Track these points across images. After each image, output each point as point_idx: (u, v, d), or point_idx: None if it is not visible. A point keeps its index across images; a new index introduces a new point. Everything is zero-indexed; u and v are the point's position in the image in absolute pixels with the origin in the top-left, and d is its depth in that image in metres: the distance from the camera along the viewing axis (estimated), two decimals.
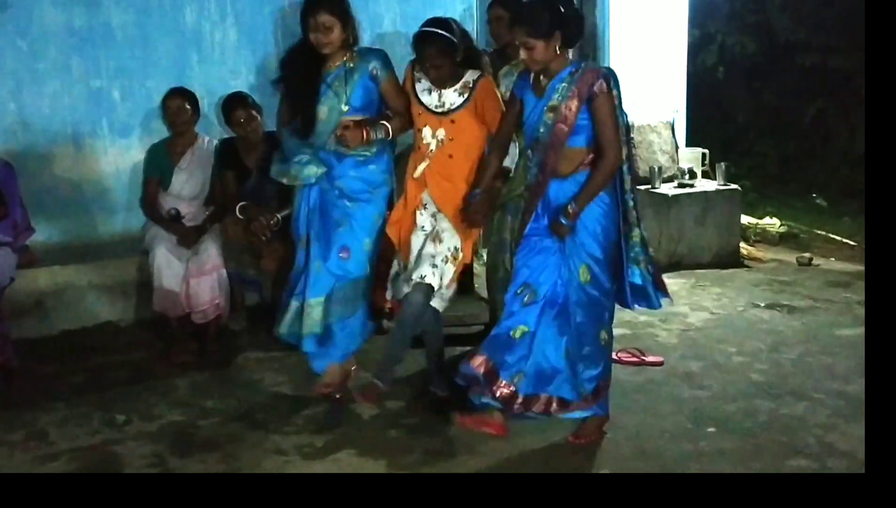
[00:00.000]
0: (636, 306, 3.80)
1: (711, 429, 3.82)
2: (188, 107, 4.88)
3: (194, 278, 4.62)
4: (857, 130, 8.73)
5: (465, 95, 3.87)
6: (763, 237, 7.15)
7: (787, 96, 9.57)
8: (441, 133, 3.91)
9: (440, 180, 3.93)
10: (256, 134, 4.83)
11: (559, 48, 3.50)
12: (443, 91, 3.89)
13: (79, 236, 5.33)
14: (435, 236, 3.94)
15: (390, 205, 4.07)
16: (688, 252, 6.30)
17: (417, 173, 3.95)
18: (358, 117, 3.91)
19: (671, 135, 6.67)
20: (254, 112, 4.81)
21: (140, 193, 5.06)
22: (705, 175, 6.68)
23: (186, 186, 4.90)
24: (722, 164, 6.55)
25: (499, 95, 3.94)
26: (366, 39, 5.77)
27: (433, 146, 3.92)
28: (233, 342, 4.84)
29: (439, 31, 3.79)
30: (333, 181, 3.95)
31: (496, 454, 3.62)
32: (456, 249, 3.92)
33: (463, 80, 3.88)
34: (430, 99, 3.92)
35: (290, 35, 5.59)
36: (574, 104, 3.48)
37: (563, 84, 3.50)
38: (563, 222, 3.50)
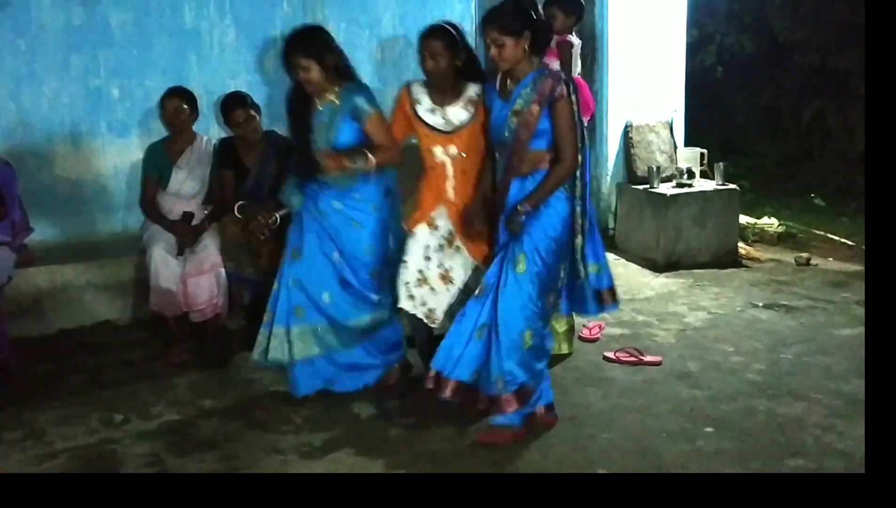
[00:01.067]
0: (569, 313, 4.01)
1: (709, 429, 3.82)
2: (186, 107, 4.87)
3: (193, 277, 4.62)
4: (856, 130, 8.73)
5: (472, 111, 3.89)
6: (761, 237, 7.15)
7: (785, 96, 9.57)
8: (453, 149, 3.92)
9: (461, 200, 3.94)
10: (255, 134, 4.82)
11: (527, 51, 3.56)
12: (447, 108, 3.91)
13: (77, 235, 5.34)
14: (445, 275, 3.99)
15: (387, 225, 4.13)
16: (686, 252, 6.30)
17: (450, 196, 3.96)
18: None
19: (670, 135, 6.68)
20: (252, 112, 4.81)
21: (138, 192, 5.05)
22: (704, 175, 6.68)
23: (185, 186, 4.89)
24: (720, 164, 6.55)
25: None
26: (364, 38, 5.85)
27: (449, 163, 3.94)
28: (231, 341, 4.83)
29: (446, 26, 3.86)
30: (320, 210, 4.04)
31: (493, 453, 3.63)
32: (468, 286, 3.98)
33: (466, 95, 3.90)
34: (434, 119, 3.93)
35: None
36: (536, 109, 3.55)
37: (527, 89, 3.58)
38: (516, 218, 3.58)
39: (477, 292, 3.70)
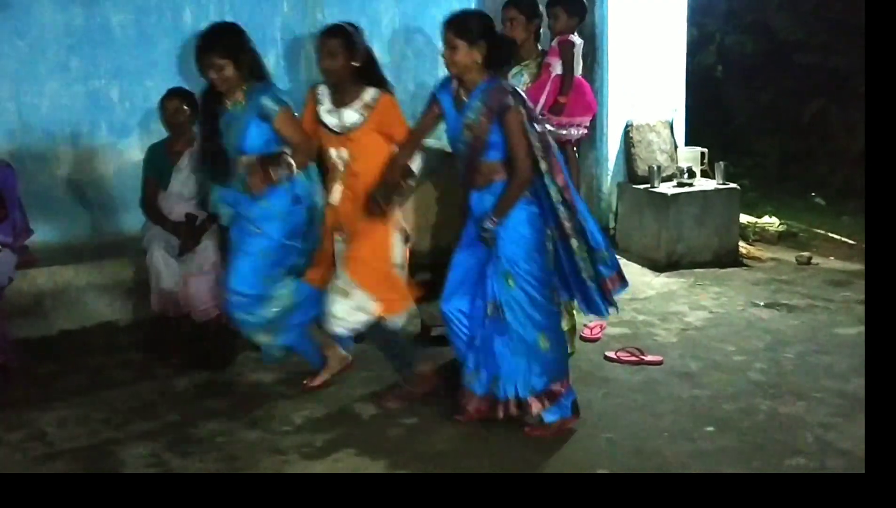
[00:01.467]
0: (589, 314, 3.92)
1: (710, 428, 3.83)
2: (186, 108, 4.85)
3: (193, 277, 4.62)
4: (856, 128, 8.71)
5: (364, 115, 3.90)
6: (762, 236, 7.14)
7: (785, 95, 9.55)
8: (344, 152, 3.94)
9: (349, 203, 3.95)
10: None
11: (481, 62, 3.59)
12: (343, 110, 3.92)
13: (78, 236, 5.34)
14: None
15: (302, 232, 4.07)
16: (687, 251, 6.30)
17: (334, 199, 3.97)
18: (255, 156, 3.93)
19: (670, 134, 6.67)
20: None
21: (139, 193, 5.05)
22: (704, 174, 6.67)
23: (185, 187, 4.88)
24: (721, 163, 6.55)
25: (400, 111, 3.98)
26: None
27: (340, 166, 3.96)
28: (232, 341, 4.83)
29: (344, 26, 3.90)
30: (245, 215, 4.03)
31: (494, 454, 3.63)
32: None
33: (363, 99, 3.91)
34: (330, 119, 3.95)
35: (289, 35, 5.62)
36: (485, 122, 3.58)
37: (477, 102, 3.61)
38: (485, 231, 3.64)
39: (489, 311, 3.73)
